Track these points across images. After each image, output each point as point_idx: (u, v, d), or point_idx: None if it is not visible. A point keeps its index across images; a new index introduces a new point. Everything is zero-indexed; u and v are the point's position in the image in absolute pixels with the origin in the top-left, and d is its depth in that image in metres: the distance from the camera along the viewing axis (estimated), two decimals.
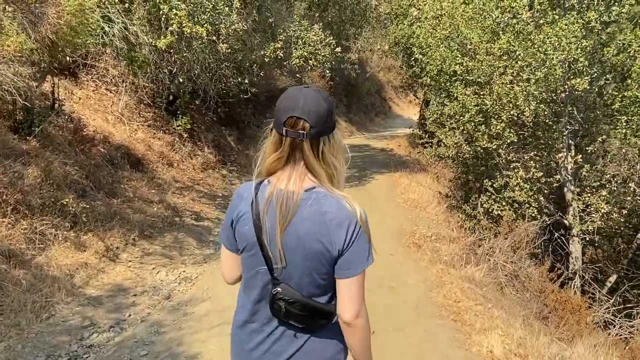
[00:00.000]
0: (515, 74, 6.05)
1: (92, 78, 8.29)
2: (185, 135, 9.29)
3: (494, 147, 6.24)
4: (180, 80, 6.55)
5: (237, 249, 1.36)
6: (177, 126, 9.11)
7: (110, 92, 8.50)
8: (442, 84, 6.75)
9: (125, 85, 8.18)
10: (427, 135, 8.66)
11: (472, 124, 6.25)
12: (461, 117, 6.26)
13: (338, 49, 7.60)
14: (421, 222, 6.30)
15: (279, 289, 1.26)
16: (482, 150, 6.36)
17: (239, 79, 7.06)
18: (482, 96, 6.13)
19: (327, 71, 8.65)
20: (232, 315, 1.44)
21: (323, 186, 1.27)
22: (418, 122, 16.28)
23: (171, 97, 9.09)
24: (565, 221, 8.20)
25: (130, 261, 4.71)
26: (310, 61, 7.11)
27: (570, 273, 7.71)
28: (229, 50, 6.25)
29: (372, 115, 27.72)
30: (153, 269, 4.65)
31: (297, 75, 8.29)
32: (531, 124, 6.97)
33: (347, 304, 1.25)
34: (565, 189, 8.22)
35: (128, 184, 6.27)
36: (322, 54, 7.02)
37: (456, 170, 7.12)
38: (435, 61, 6.62)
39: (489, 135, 6.33)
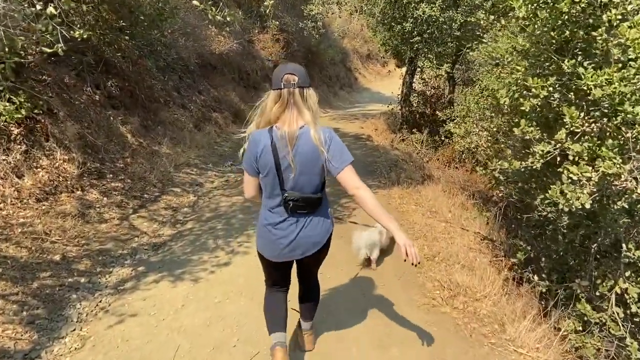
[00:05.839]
0: None
1: None
2: (16, 132, 5.03)
3: None
4: None
5: (257, 174, 2.21)
6: None
7: None
8: (561, 17, 2.82)
9: None
10: (446, 132, 4.80)
11: None
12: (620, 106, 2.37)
13: None
14: None
15: (286, 194, 2.17)
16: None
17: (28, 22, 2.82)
18: None
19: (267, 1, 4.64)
20: None
21: (308, 124, 2.11)
22: (401, 99, 12.52)
23: None
24: None
25: None
26: None
27: None
28: None
29: (337, 89, 23.80)
30: None
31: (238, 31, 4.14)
32: None
33: (353, 182, 2.10)
34: None
35: None
36: None
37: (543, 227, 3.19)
38: None
39: None
